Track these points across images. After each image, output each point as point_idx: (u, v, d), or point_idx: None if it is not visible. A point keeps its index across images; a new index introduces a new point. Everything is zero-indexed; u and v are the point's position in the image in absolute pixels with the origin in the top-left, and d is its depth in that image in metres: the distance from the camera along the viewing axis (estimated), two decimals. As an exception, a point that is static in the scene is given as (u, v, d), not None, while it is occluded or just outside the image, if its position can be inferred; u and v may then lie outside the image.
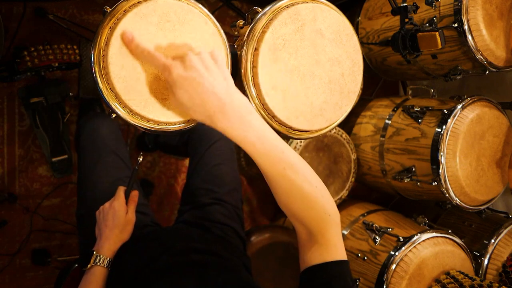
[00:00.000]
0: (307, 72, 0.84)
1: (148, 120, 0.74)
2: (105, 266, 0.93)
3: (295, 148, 1.58)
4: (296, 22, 0.81)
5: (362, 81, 0.91)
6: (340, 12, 0.89)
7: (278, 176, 0.66)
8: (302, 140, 1.58)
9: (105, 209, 1.01)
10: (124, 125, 1.76)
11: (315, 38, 0.84)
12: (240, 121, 0.63)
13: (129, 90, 0.71)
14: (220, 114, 0.63)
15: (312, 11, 0.83)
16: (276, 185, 0.67)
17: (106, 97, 0.72)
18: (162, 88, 0.74)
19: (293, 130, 0.86)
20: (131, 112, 0.73)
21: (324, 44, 0.85)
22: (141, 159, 1.02)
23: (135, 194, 1.05)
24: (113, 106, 0.73)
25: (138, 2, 0.73)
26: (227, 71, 0.69)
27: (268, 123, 0.82)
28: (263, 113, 0.83)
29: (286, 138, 0.85)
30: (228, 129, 0.64)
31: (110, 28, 0.72)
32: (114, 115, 0.74)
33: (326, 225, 0.69)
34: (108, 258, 0.94)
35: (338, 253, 0.70)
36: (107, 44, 0.71)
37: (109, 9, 0.74)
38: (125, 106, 0.73)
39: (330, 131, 0.92)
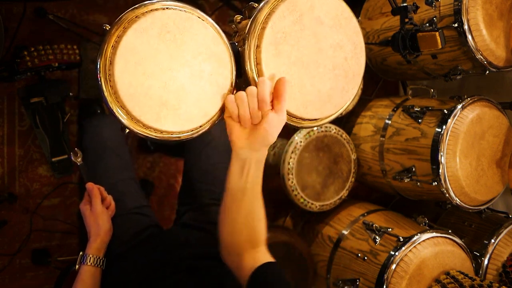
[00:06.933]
0: (311, 62, 0.84)
1: (161, 132, 0.76)
2: (93, 264, 0.95)
3: (295, 148, 1.58)
4: (294, 14, 0.82)
5: (365, 62, 0.92)
6: None
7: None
8: (302, 140, 1.58)
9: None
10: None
11: (315, 27, 0.84)
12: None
13: (140, 106, 0.73)
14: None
15: (309, 0, 0.83)
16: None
17: (117, 115, 0.74)
18: (173, 99, 0.75)
19: (304, 120, 0.87)
20: (144, 126, 0.75)
21: (324, 31, 0.85)
22: (79, 154, 1.09)
23: (89, 187, 1.05)
24: (126, 123, 0.75)
25: (136, 17, 0.73)
26: None
27: None
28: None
29: (297, 129, 0.86)
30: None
31: (112, 46, 0.72)
32: (127, 131, 0.76)
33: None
34: (94, 256, 0.95)
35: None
36: (111, 63, 0.71)
37: (108, 27, 0.74)
38: (137, 121, 0.74)
39: (335, 119, 0.93)
